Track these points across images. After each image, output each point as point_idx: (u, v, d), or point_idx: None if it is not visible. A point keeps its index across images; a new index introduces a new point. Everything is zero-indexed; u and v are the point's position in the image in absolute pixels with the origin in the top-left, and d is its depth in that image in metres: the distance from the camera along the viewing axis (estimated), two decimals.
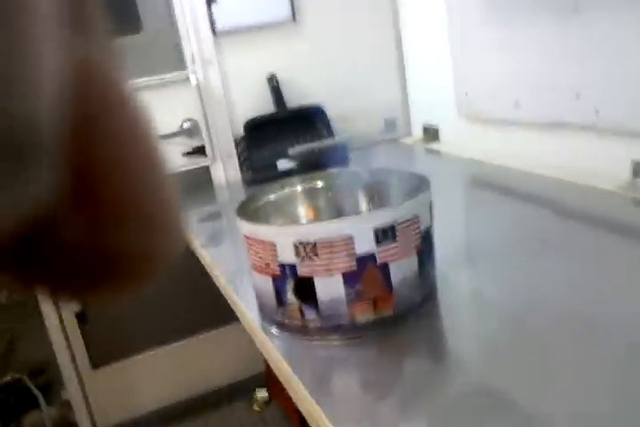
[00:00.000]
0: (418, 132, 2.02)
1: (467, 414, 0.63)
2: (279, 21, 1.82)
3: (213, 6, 1.74)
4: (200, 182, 1.85)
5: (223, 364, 2.06)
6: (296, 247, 0.77)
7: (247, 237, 0.83)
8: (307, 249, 0.76)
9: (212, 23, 1.75)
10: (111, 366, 1.94)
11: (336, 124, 1.90)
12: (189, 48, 1.75)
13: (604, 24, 1.18)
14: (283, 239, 0.78)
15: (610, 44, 1.18)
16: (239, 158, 1.87)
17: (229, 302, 1.08)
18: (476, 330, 0.85)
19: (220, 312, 1.92)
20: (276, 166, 1.76)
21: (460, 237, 1.17)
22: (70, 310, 1.81)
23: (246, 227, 0.83)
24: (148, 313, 1.90)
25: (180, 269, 1.80)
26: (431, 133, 1.93)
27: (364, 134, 1.96)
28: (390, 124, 2.07)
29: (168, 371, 2.01)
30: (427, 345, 0.81)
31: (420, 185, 0.85)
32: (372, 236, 0.76)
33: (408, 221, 0.78)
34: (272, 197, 0.96)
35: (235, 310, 1.04)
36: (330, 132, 1.89)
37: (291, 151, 1.75)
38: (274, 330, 0.86)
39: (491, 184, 1.52)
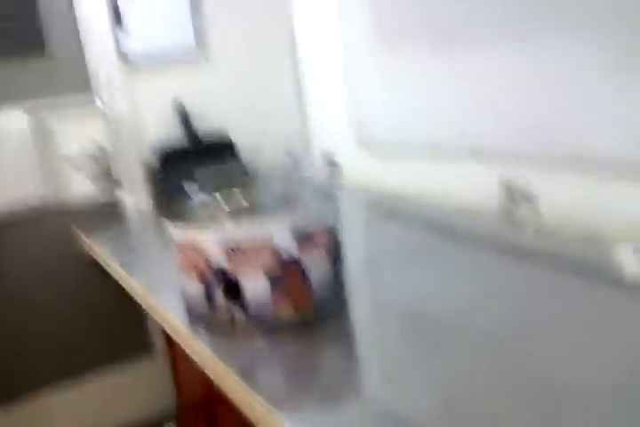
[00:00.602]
0: (320, 165, 2.15)
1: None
2: (185, 49, 1.90)
3: (121, 33, 1.79)
4: (109, 212, 1.86)
5: (133, 398, 2.02)
6: (223, 248, 0.86)
7: (176, 242, 0.91)
8: (233, 249, 0.85)
9: (119, 48, 1.79)
10: (11, 403, 1.85)
11: (244, 157, 1.98)
12: (97, 74, 1.79)
13: (480, 51, 1.37)
14: (210, 241, 0.86)
15: (486, 73, 1.38)
16: (149, 187, 1.90)
17: (151, 312, 1.13)
18: (379, 324, 0.96)
19: (127, 345, 1.94)
20: (186, 193, 1.82)
21: (366, 250, 1.31)
22: None
23: (175, 231, 0.90)
24: (51, 346, 1.86)
25: (84, 297, 1.81)
26: (332, 166, 2.07)
27: (270, 168, 2.06)
28: (294, 159, 2.20)
29: (75, 406, 1.94)
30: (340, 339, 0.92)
31: (328, 199, 0.97)
32: (290, 236, 0.86)
33: (321, 225, 0.89)
34: (198, 212, 1.05)
35: (157, 317, 1.09)
36: (238, 163, 1.98)
37: (198, 173, 1.81)
38: (201, 331, 0.93)
39: (387, 211, 1.66)
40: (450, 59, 1.45)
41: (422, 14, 1.50)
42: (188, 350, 0.98)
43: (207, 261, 0.88)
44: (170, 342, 1.72)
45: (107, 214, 1.84)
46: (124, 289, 1.36)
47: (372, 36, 1.69)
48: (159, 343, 1.92)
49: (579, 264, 1.08)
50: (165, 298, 1.10)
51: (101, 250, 1.54)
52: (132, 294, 1.27)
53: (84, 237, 1.70)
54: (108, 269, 1.47)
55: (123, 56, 1.81)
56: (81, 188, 1.82)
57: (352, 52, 1.79)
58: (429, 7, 1.47)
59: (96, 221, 1.80)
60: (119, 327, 1.93)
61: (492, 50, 1.33)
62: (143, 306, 1.21)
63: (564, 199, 1.27)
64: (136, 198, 1.89)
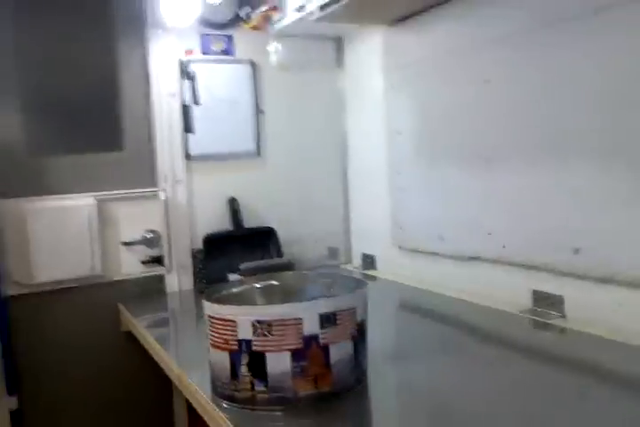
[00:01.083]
0: (357, 260, 2.25)
1: None
2: (245, 154, 2.11)
3: (190, 135, 2.01)
4: (154, 290, 1.98)
5: None
6: (253, 325, 0.93)
7: (210, 317, 0.99)
8: (262, 327, 0.93)
9: (187, 149, 2.00)
10: None
11: (285, 248, 2.11)
12: (163, 168, 1.98)
13: (509, 174, 1.48)
14: (242, 318, 0.94)
15: (514, 193, 1.47)
16: (194, 269, 2.03)
17: (179, 384, 1.19)
18: (395, 410, 1.00)
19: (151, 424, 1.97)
20: (227, 280, 1.92)
21: (390, 342, 1.35)
22: (4, 406, 1.81)
23: (211, 307, 0.99)
24: (82, 416, 1.90)
25: (119, 370, 1.87)
26: (369, 261, 2.17)
27: (309, 259, 2.17)
28: (333, 252, 2.31)
29: None
30: (356, 420, 0.95)
31: (357, 285, 1.04)
32: (317, 319, 0.93)
33: (347, 310, 0.96)
34: (234, 290, 1.14)
35: (184, 390, 1.15)
36: (279, 254, 2.10)
37: (242, 266, 1.92)
38: (224, 403, 0.99)
39: (417, 306, 1.72)
40: (482, 177, 1.57)
41: (459, 137, 1.64)
42: (210, 425, 1.02)
43: (236, 336, 0.95)
44: (192, 423, 1.74)
45: (150, 293, 1.95)
46: (156, 366, 1.42)
47: (414, 153, 1.84)
48: (182, 425, 1.94)
49: (599, 368, 1.10)
50: (194, 373, 1.16)
51: (141, 325, 1.62)
52: (163, 367, 1.34)
53: (126, 311, 1.80)
54: (145, 344, 1.55)
55: (188, 156, 2.01)
56: (131, 268, 1.95)
57: (397, 166, 1.94)
58: (466, 133, 1.61)
59: (140, 299, 1.91)
60: (146, 406, 1.97)
61: (523, 169, 1.44)
62: (173, 380, 1.27)
63: (589, 306, 1.31)
64: (180, 279, 2.00)
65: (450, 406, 0.97)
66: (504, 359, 1.19)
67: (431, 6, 1.69)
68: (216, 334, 0.98)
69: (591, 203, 1.27)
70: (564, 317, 1.37)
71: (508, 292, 1.52)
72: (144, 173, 1.98)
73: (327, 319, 0.95)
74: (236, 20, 2.04)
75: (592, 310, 1.30)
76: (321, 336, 0.94)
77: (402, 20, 1.83)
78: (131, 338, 1.77)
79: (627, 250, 1.20)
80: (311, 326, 0.94)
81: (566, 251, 1.33)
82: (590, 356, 1.15)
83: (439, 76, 1.71)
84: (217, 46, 2.05)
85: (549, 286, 1.41)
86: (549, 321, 1.36)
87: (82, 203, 1.85)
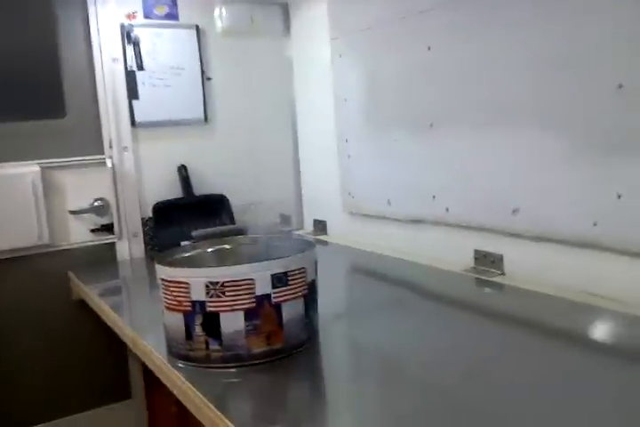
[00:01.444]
0: (309, 226, 2.29)
1: None
2: (193, 121, 2.09)
3: (135, 102, 1.98)
4: (105, 258, 1.97)
5: None
6: (207, 286, 0.96)
7: (163, 280, 1.01)
8: (215, 288, 0.95)
9: (132, 115, 1.98)
10: None
11: (237, 215, 2.13)
12: (108, 135, 1.95)
13: (452, 139, 1.53)
14: (195, 279, 0.96)
15: (458, 155, 1.53)
16: (145, 237, 2.03)
17: (133, 347, 1.21)
18: (345, 365, 1.05)
19: (108, 389, 1.99)
20: (179, 246, 1.93)
21: (340, 302, 1.40)
22: None
23: (164, 270, 1.01)
24: (35, 385, 1.90)
25: (72, 338, 1.88)
26: (320, 226, 2.21)
27: (261, 226, 2.19)
28: (285, 218, 2.34)
29: None
30: (308, 375, 1.00)
31: (307, 247, 1.08)
32: (269, 279, 0.97)
33: (297, 270, 1.00)
34: (186, 254, 1.15)
35: (139, 352, 1.17)
36: (232, 221, 2.11)
37: (194, 233, 1.93)
38: (180, 363, 1.02)
39: (366, 268, 1.78)
40: (427, 141, 1.61)
41: (404, 104, 1.68)
42: (167, 384, 1.05)
43: (189, 297, 0.97)
44: (148, 386, 1.77)
45: (101, 261, 1.94)
46: (110, 331, 1.44)
47: (362, 120, 1.87)
48: (138, 389, 1.96)
49: (534, 321, 1.17)
50: (148, 336, 1.19)
51: (93, 292, 1.62)
52: (118, 333, 1.35)
53: (77, 280, 1.79)
54: (98, 311, 1.56)
55: (134, 123, 1.98)
56: (80, 236, 1.93)
57: (345, 132, 1.97)
58: (411, 99, 1.65)
59: (90, 267, 1.90)
60: (102, 371, 1.99)
61: (465, 133, 1.49)
62: (128, 343, 1.29)
63: (527, 264, 1.39)
64: (131, 247, 1.99)
65: (397, 361, 1.02)
66: (447, 316, 1.26)
67: None
68: (170, 297, 1.00)
69: (528, 165, 1.34)
70: (503, 274, 1.45)
71: (451, 252, 1.59)
72: (90, 140, 1.94)
73: (279, 280, 0.98)
74: None
75: (529, 267, 1.38)
76: (273, 296, 0.98)
77: None
78: (82, 306, 1.78)
79: (561, 209, 1.27)
80: (263, 286, 0.97)
81: (505, 211, 1.40)
82: (526, 310, 1.23)
83: (384, 44, 1.73)
84: (160, 10, 2.01)
85: (490, 245, 1.48)
86: (490, 279, 1.43)
87: (25, 170, 1.81)
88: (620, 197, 1.14)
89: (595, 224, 1.20)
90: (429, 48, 1.56)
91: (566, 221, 1.26)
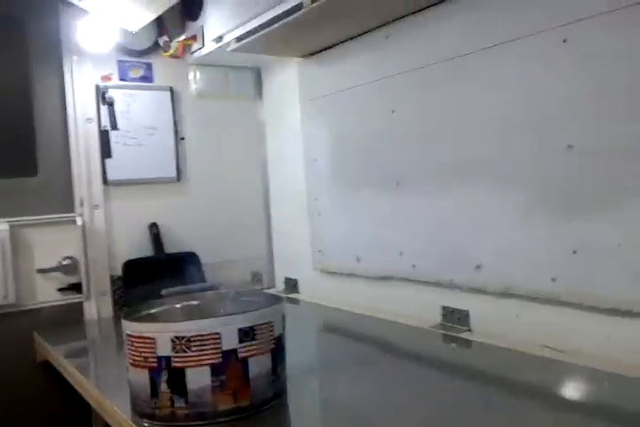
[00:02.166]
0: (280, 284, 2.30)
1: None
2: (165, 179, 2.12)
3: (108, 160, 2.00)
4: (72, 318, 1.94)
5: None
6: (172, 341, 0.96)
7: (129, 335, 1.01)
8: (181, 343, 0.96)
9: (105, 174, 2.00)
10: None
11: (208, 273, 2.13)
12: (79, 193, 1.97)
13: (417, 197, 1.58)
14: (161, 334, 0.96)
15: (423, 212, 1.57)
16: (114, 296, 2.00)
17: (98, 408, 1.18)
18: (312, 423, 1.04)
19: None
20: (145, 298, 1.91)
21: (309, 359, 1.40)
22: None
23: (130, 325, 1.01)
24: None
25: (36, 399, 1.81)
26: (291, 284, 2.22)
27: (232, 284, 2.19)
28: (256, 276, 2.34)
29: None
30: None
31: (274, 301, 1.09)
32: (235, 334, 0.97)
33: (264, 324, 1.01)
34: (153, 310, 1.16)
35: (104, 414, 1.15)
36: (202, 279, 2.11)
37: (164, 292, 1.92)
38: (145, 422, 1.00)
39: (336, 326, 1.78)
40: (393, 200, 1.66)
41: (371, 163, 1.74)
42: None
43: (155, 353, 0.97)
44: None
45: (68, 321, 1.91)
46: (75, 394, 1.40)
47: (331, 179, 1.93)
48: None
49: (499, 377, 1.19)
50: (113, 395, 1.16)
51: (58, 353, 1.59)
52: (83, 395, 1.32)
53: (42, 341, 1.76)
54: (63, 372, 1.52)
55: (106, 181, 2.00)
56: (47, 296, 1.91)
57: (315, 190, 2.02)
58: (378, 159, 1.71)
59: (56, 327, 1.86)
60: None
61: (429, 192, 1.55)
62: (92, 405, 1.26)
63: (492, 319, 1.41)
64: (99, 306, 1.97)
65: (365, 418, 1.02)
66: (415, 372, 1.26)
67: (340, 42, 1.80)
68: (135, 353, 1.00)
69: (489, 222, 1.39)
70: (470, 330, 1.47)
71: (419, 308, 1.61)
72: (61, 198, 1.95)
73: (245, 334, 0.99)
74: (155, 48, 2.08)
75: (494, 322, 1.41)
76: (240, 351, 0.98)
77: (314, 53, 1.93)
78: (47, 367, 1.73)
79: (521, 265, 1.31)
80: (230, 341, 0.97)
81: (469, 267, 1.44)
82: (490, 366, 1.24)
83: (351, 107, 1.81)
84: (135, 73, 2.08)
85: (456, 301, 1.51)
86: (457, 335, 1.45)
87: None
88: (575, 252, 1.19)
89: (553, 280, 1.24)
90: (393, 111, 1.64)
91: (527, 276, 1.30)
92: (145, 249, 2.07)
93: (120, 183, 2.04)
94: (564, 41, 1.19)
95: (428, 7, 1.49)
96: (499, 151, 1.35)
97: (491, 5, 1.34)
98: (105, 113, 2.00)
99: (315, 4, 1.40)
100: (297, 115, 2.07)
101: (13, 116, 1.89)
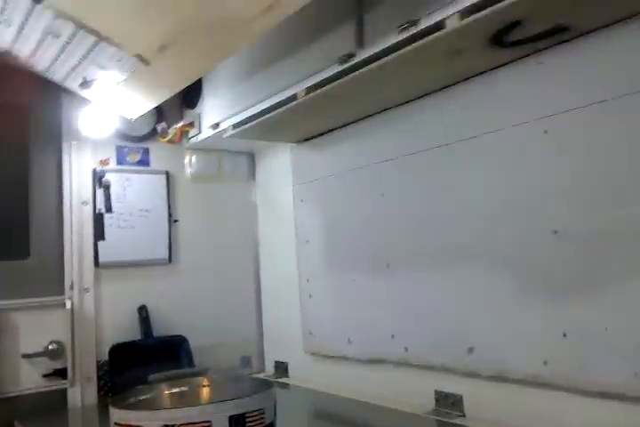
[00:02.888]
0: (270, 368, 2.25)
1: None
2: (156, 261, 2.13)
3: (101, 242, 2.02)
4: (55, 405, 1.87)
5: None
6: None
7: (117, 424, 0.98)
8: None
9: (97, 256, 2.00)
10: None
11: (197, 356, 2.08)
12: (70, 276, 1.96)
13: (408, 279, 1.60)
14: (150, 423, 0.94)
15: (414, 295, 1.58)
16: (100, 381, 1.94)
17: None
18: None
19: None
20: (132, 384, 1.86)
21: None
22: None
23: (117, 414, 0.98)
24: None
25: None
26: (282, 368, 2.17)
27: (221, 369, 2.14)
28: (246, 360, 2.29)
29: None
30: None
31: (265, 387, 1.08)
32: (226, 421, 0.95)
33: (255, 411, 0.99)
34: (141, 397, 1.13)
35: None
36: (190, 363, 2.06)
37: (150, 377, 1.87)
38: None
39: (327, 412, 1.73)
40: (384, 282, 1.68)
41: (361, 245, 1.77)
42: None
43: None
44: None
45: (51, 409, 1.84)
46: None
47: (322, 261, 1.95)
48: None
49: None
50: None
51: None
52: None
53: None
54: None
55: (97, 263, 2.00)
56: (31, 382, 1.85)
57: (304, 274, 2.04)
58: (368, 241, 1.75)
59: (39, 415, 1.79)
60: None
61: (420, 274, 1.57)
62: None
63: (485, 404, 1.38)
64: (83, 393, 1.91)
65: None
66: None
67: (331, 129, 1.88)
68: None
69: (479, 305, 1.39)
70: (463, 416, 1.43)
71: (412, 393, 1.58)
72: (51, 280, 1.94)
73: (237, 421, 0.96)
74: (153, 134, 2.16)
75: (487, 407, 1.38)
76: None
77: (307, 139, 2.01)
78: None
79: (512, 348, 1.31)
80: None
81: (461, 351, 1.42)
82: None
83: (342, 190, 1.86)
84: (132, 157, 2.14)
85: (449, 385, 1.48)
86: (451, 420, 1.42)
87: None
88: (565, 335, 1.19)
89: (545, 363, 1.23)
90: (383, 195, 1.69)
91: (518, 360, 1.29)
92: (133, 332, 2.04)
93: (111, 265, 2.04)
94: (545, 132, 1.26)
95: (415, 99, 1.58)
96: (486, 236, 1.38)
97: (475, 97, 1.42)
98: (100, 196, 2.03)
99: (308, 96, 1.48)
100: (289, 198, 2.12)
101: (9, 198, 1.91)
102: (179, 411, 0.95)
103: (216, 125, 1.95)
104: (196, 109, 2.08)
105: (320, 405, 1.81)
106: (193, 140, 2.13)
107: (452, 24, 1.09)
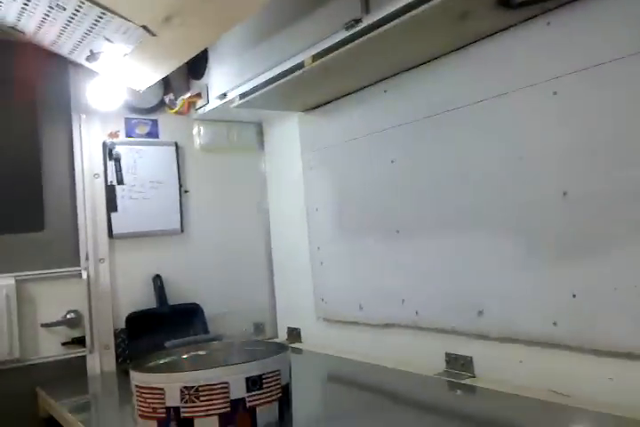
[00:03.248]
0: (283, 334, 2.29)
1: None
2: (169, 231, 2.16)
3: (113, 214, 2.05)
4: (75, 372, 1.93)
5: None
6: (181, 392, 0.97)
7: (138, 387, 1.02)
8: (190, 393, 0.96)
9: (110, 227, 2.04)
10: None
11: (211, 324, 2.13)
12: (85, 247, 2.00)
13: (418, 244, 1.61)
14: (170, 385, 0.97)
15: (424, 260, 1.60)
16: (117, 349, 2.00)
17: None
18: None
19: None
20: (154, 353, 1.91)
21: (314, 408, 1.40)
22: None
23: (138, 376, 1.02)
24: None
25: None
26: (294, 334, 2.22)
27: (235, 335, 2.19)
28: (259, 327, 2.34)
29: None
30: None
31: (280, 350, 1.11)
32: (243, 383, 0.98)
33: (271, 373, 1.02)
34: (161, 361, 1.17)
35: None
36: (205, 330, 2.11)
37: (167, 344, 1.92)
38: None
39: (340, 375, 1.77)
40: (394, 248, 1.70)
41: (371, 212, 1.79)
42: None
43: (164, 404, 0.98)
44: None
45: (71, 375, 1.90)
46: None
47: (332, 228, 1.97)
48: None
49: (507, 424, 1.18)
50: None
51: (62, 409, 1.58)
52: None
53: (46, 396, 1.74)
54: None
55: (111, 235, 2.04)
56: (50, 350, 1.90)
57: (317, 239, 2.05)
58: (378, 207, 1.76)
59: (59, 382, 1.85)
60: None
61: (429, 239, 1.58)
62: None
63: (495, 365, 1.42)
64: (102, 360, 1.96)
65: None
66: (420, 420, 1.26)
67: (339, 96, 1.88)
68: (144, 404, 1.01)
69: (488, 268, 1.41)
70: (473, 376, 1.47)
71: (423, 356, 1.61)
72: (66, 252, 1.98)
73: (253, 383, 1.00)
74: (161, 106, 2.16)
75: (497, 368, 1.41)
76: (247, 400, 0.99)
77: (315, 107, 2.01)
78: (51, 423, 1.71)
79: (522, 310, 1.33)
80: (238, 390, 0.98)
81: (471, 313, 1.45)
82: (496, 412, 1.24)
83: (351, 158, 1.87)
84: (141, 130, 2.15)
85: (460, 347, 1.51)
86: (461, 381, 1.45)
87: (0, 284, 1.82)
88: (574, 296, 1.21)
89: (554, 324, 1.25)
90: (392, 161, 1.69)
91: (528, 321, 1.32)
92: (149, 301, 2.08)
93: (125, 236, 2.07)
94: (555, 93, 1.25)
95: (423, 64, 1.57)
96: (495, 199, 1.39)
97: (483, 60, 1.41)
98: (111, 168, 2.05)
99: (315, 63, 1.47)
100: (298, 166, 2.13)
101: (22, 173, 1.94)
102: (197, 373, 0.98)
103: (223, 96, 1.95)
104: (203, 80, 2.07)
105: (333, 368, 1.85)
106: (201, 110, 2.13)
107: None
